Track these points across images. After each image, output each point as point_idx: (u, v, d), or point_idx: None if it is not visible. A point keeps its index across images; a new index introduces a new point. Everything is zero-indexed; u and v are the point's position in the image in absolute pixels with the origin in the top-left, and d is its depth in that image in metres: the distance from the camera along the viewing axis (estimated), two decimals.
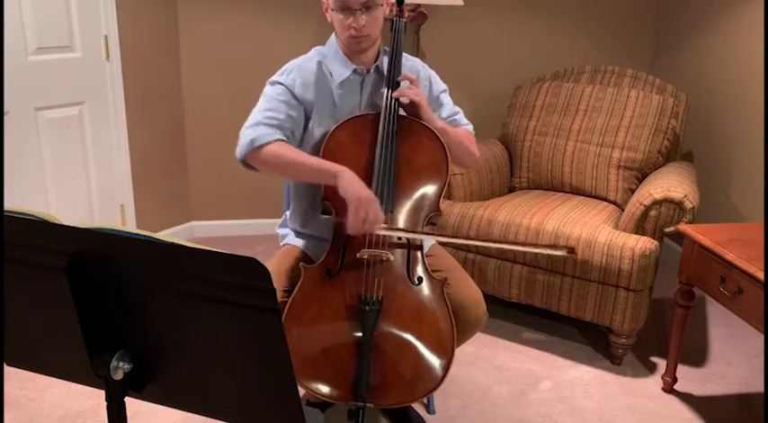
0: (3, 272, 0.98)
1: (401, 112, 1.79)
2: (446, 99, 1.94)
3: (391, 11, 1.89)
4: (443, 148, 1.78)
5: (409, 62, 1.89)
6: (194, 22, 3.23)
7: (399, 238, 1.73)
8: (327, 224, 1.77)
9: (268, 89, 1.77)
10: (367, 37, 1.71)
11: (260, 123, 1.69)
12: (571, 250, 1.75)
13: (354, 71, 1.79)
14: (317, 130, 1.79)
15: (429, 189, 1.77)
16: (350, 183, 1.61)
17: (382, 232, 1.66)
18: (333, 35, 1.82)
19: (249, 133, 1.67)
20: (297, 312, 1.65)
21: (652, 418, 2.14)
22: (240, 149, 1.68)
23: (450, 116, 1.93)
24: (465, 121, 1.97)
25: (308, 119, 1.78)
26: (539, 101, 2.99)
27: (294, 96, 1.75)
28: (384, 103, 1.75)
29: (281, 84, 1.75)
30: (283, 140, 1.69)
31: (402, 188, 1.75)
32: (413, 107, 1.77)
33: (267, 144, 1.66)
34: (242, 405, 0.99)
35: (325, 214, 1.73)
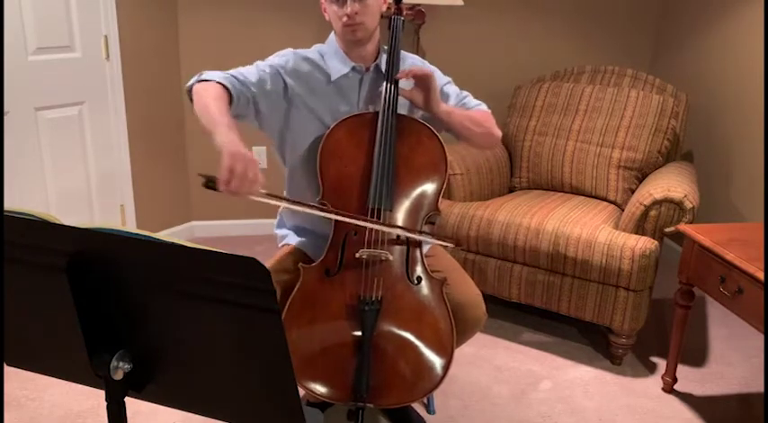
0: (3, 272, 0.98)
1: (403, 108, 1.78)
2: (451, 89, 1.91)
3: (389, 9, 1.89)
4: (442, 147, 1.78)
5: (409, 60, 1.89)
6: (194, 22, 3.23)
7: (398, 237, 1.72)
8: (327, 223, 1.77)
9: (261, 61, 1.77)
10: (361, 25, 1.70)
11: (225, 72, 1.66)
12: (458, 242, 1.72)
13: (353, 68, 1.79)
14: (302, 121, 1.78)
15: (428, 188, 1.77)
16: (228, 138, 1.47)
17: (259, 199, 1.51)
18: (332, 34, 1.82)
19: (207, 71, 1.65)
20: (296, 312, 1.65)
21: (652, 418, 2.14)
22: (190, 80, 1.65)
23: (458, 103, 1.90)
24: (475, 102, 1.92)
25: (290, 103, 1.76)
26: (539, 101, 2.99)
27: (280, 76, 1.74)
28: (383, 99, 1.75)
29: (274, 64, 1.75)
30: (225, 87, 1.62)
31: (400, 187, 1.75)
32: (422, 83, 1.74)
33: (208, 81, 1.61)
34: (242, 405, 0.99)
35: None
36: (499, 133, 1.89)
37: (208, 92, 1.59)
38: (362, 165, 1.73)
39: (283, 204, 1.63)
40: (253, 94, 1.69)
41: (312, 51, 1.83)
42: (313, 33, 3.19)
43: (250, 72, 1.71)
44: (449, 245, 1.87)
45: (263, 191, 1.50)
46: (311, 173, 1.78)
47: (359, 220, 1.66)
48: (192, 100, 1.64)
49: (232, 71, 1.68)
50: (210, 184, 1.47)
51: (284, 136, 1.82)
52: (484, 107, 1.92)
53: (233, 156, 1.43)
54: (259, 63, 1.77)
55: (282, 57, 1.79)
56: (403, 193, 1.75)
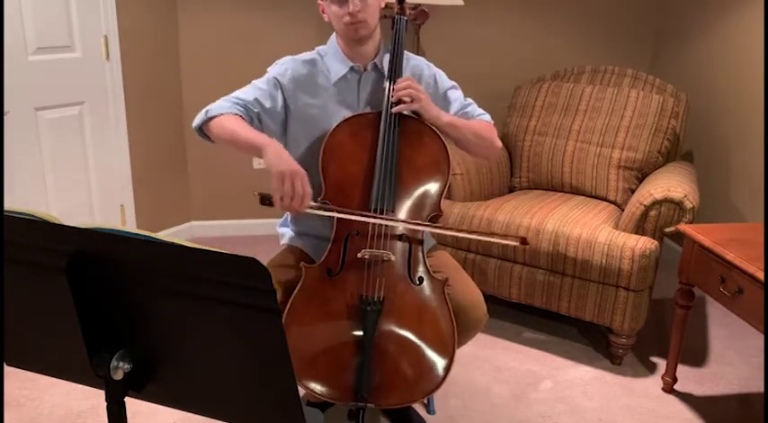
0: (3, 272, 0.98)
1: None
2: (454, 95, 1.91)
3: (392, 9, 1.89)
4: (445, 148, 1.77)
5: (413, 61, 1.88)
6: (194, 22, 3.23)
7: (400, 238, 1.72)
8: (328, 224, 1.77)
9: (259, 78, 1.82)
10: (363, 23, 1.70)
11: (226, 100, 1.75)
12: (524, 241, 1.73)
13: (351, 69, 1.79)
14: (300, 128, 1.80)
15: (430, 189, 1.77)
16: (274, 155, 1.59)
17: (311, 211, 1.62)
18: (333, 35, 1.83)
19: (210, 105, 1.74)
20: (297, 312, 1.65)
21: (652, 418, 2.14)
22: (197, 118, 1.74)
23: (461, 110, 1.89)
24: (479, 111, 1.92)
25: (288, 112, 1.80)
26: (539, 101, 2.99)
27: (279, 86, 1.78)
28: (385, 100, 1.75)
29: (270, 75, 1.80)
30: (237, 115, 1.72)
31: (403, 188, 1.75)
32: (416, 111, 1.75)
33: (219, 115, 1.70)
34: (242, 405, 0.99)
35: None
36: (500, 145, 1.92)
37: (229, 122, 1.69)
38: (365, 165, 1.73)
39: (335, 215, 1.68)
40: (256, 113, 1.77)
41: (311, 54, 1.84)
42: (313, 33, 3.19)
43: (247, 93, 1.77)
44: (511, 243, 1.85)
45: (314, 203, 1.63)
46: (311, 174, 1.78)
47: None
48: (206, 137, 1.76)
49: (231, 99, 1.76)
50: (266, 201, 1.59)
51: (285, 141, 1.83)
52: (487, 117, 1.92)
53: (281, 174, 1.55)
54: (255, 81, 1.81)
55: (281, 65, 1.82)
56: (405, 194, 1.75)
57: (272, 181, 1.57)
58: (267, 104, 1.77)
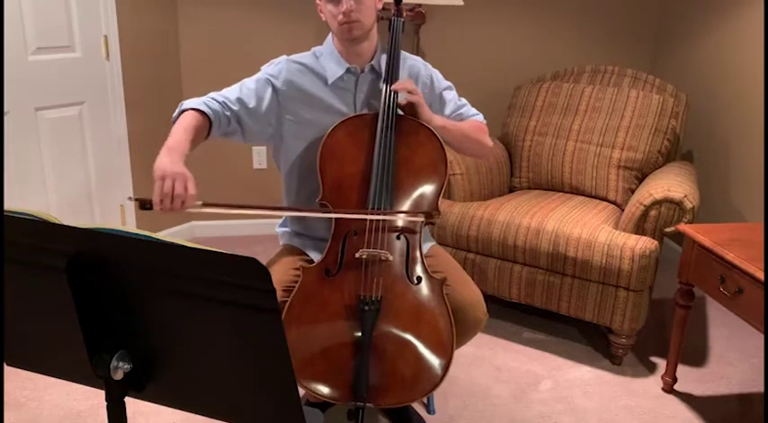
0: (3, 272, 0.98)
1: (399, 111, 1.79)
2: (449, 95, 1.92)
3: (389, 10, 1.89)
4: (442, 149, 1.78)
5: (410, 61, 1.89)
6: (194, 22, 3.23)
7: (398, 237, 1.72)
8: (326, 224, 1.77)
9: (250, 77, 1.80)
10: (357, 23, 1.70)
11: (207, 95, 1.72)
12: (428, 215, 1.69)
13: (348, 70, 1.79)
14: (296, 131, 1.80)
15: (427, 189, 1.77)
16: (161, 159, 1.52)
17: (194, 210, 1.55)
18: (329, 35, 1.83)
19: (186, 100, 1.70)
20: (296, 312, 1.65)
21: (652, 418, 2.14)
22: (176, 111, 1.71)
23: (455, 111, 1.92)
24: (472, 111, 1.94)
25: (283, 112, 1.78)
26: (539, 101, 2.99)
27: (270, 86, 1.76)
28: (382, 101, 1.75)
29: (263, 74, 1.78)
30: (199, 111, 1.66)
31: (400, 188, 1.75)
32: (410, 107, 1.76)
33: (186, 110, 1.67)
34: (242, 405, 0.99)
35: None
36: (491, 144, 1.93)
37: (180, 124, 1.64)
38: (362, 165, 1.74)
39: (223, 211, 1.64)
40: (234, 112, 1.72)
41: (307, 55, 1.84)
42: (312, 33, 3.19)
43: (232, 91, 1.75)
44: (418, 219, 1.75)
45: (199, 202, 1.53)
46: (306, 176, 1.79)
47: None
48: None
49: (212, 94, 1.73)
50: (147, 206, 1.50)
51: (278, 147, 1.85)
52: (480, 118, 1.95)
53: (162, 176, 1.48)
54: (245, 80, 1.79)
55: (276, 66, 1.81)
56: (402, 194, 1.75)
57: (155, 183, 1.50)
58: (251, 104, 1.74)
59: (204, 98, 1.71)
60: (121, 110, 3.00)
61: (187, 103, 1.68)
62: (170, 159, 1.51)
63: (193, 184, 1.51)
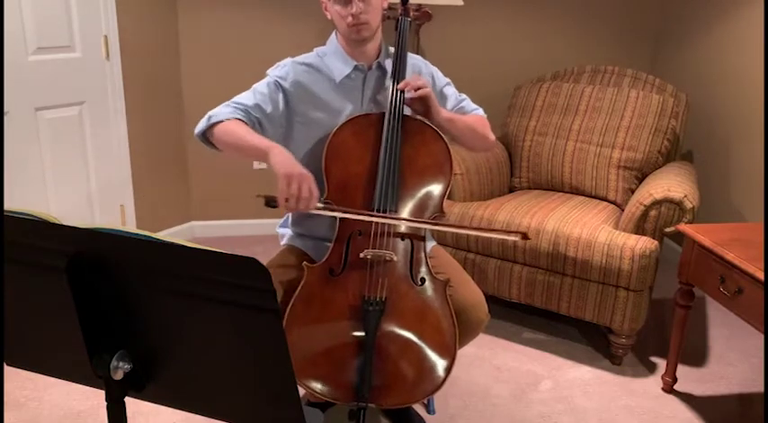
0: (3, 272, 0.98)
1: (406, 111, 1.79)
2: (450, 91, 1.93)
3: (395, 10, 1.89)
4: (447, 149, 1.78)
5: (411, 60, 1.89)
6: (194, 22, 3.23)
7: (402, 238, 1.73)
8: (329, 224, 1.77)
9: (259, 82, 1.81)
10: (366, 25, 1.71)
11: (226, 105, 1.75)
12: (524, 236, 1.74)
13: (355, 68, 1.79)
14: (304, 131, 1.80)
15: (432, 190, 1.77)
16: (280, 158, 1.60)
17: (316, 211, 1.64)
18: (333, 34, 1.83)
19: (211, 111, 1.73)
20: (299, 312, 1.65)
21: (652, 418, 2.14)
22: (199, 125, 1.74)
23: (456, 105, 1.92)
24: (473, 106, 1.96)
25: (291, 115, 1.79)
26: (539, 101, 2.99)
27: (281, 89, 1.77)
28: (389, 100, 1.75)
29: (271, 77, 1.79)
30: (239, 120, 1.71)
31: (405, 189, 1.75)
32: (421, 100, 1.75)
33: (222, 121, 1.70)
34: (242, 405, 0.99)
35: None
36: (493, 138, 1.94)
37: (233, 128, 1.69)
38: (368, 165, 1.74)
39: (338, 215, 1.69)
40: (257, 118, 1.76)
41: (311, 56, 1.83)
42: (314, 32, 3.19)
43: (248, 98, 1.77)
44: (512, 238, 1.87)
45: (320, 204, 1.64)
46: (313, 176, 1.79)
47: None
48: (208, 143, 1.75)
49: (232, 104, 1.75)
50: (272, 203, 1.60)
51: (286, 147, 1.83)
52: (480, 112, 1.96)
53: (288, 177, 1.56)
54: (256, 86, 1.80)
55: (282, 68, 1.81)
56: (408, 195, 1.75)
57: (277, 183, 1.57)
58: (268, 109, 1.76)
59: (229, 108, 1.73)
60: (121, 110, 3.00)
61: (217, 115, 1.71)
62: (291, 160, 1.60)
63: (315, 186, 1.59)
